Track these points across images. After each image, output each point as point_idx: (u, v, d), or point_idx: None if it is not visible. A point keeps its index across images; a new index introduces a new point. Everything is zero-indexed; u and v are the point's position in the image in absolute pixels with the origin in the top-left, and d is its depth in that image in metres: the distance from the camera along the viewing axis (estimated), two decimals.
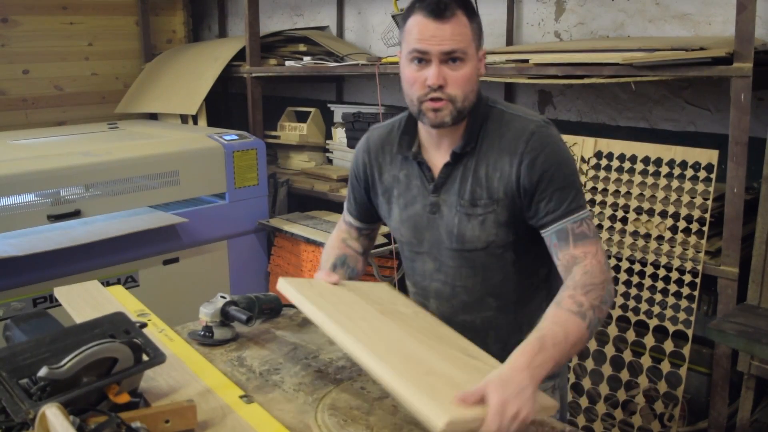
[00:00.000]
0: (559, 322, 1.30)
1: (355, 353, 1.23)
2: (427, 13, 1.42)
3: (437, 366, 1.24)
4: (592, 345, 2.51)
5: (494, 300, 1.57)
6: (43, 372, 1.17)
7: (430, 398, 1.09)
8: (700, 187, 2.32)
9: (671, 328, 2.34)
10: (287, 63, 3.68)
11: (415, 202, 1.58)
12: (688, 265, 2.29)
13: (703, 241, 2.28)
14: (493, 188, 1.48)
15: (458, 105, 1.45)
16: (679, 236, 2.33)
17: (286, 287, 1.45)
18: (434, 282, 1.60)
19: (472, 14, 1.46)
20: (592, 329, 1.33)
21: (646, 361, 2.38)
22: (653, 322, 2.38)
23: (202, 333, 1.69)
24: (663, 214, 2.38)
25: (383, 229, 3.21)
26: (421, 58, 1.44)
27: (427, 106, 1.45)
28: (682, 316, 2.33)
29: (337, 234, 1.81)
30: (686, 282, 2.31)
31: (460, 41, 1.42)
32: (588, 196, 2.48)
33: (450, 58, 1.42)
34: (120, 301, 1.87)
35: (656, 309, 2.38)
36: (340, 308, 1.39)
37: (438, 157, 1.55)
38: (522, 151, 1.45)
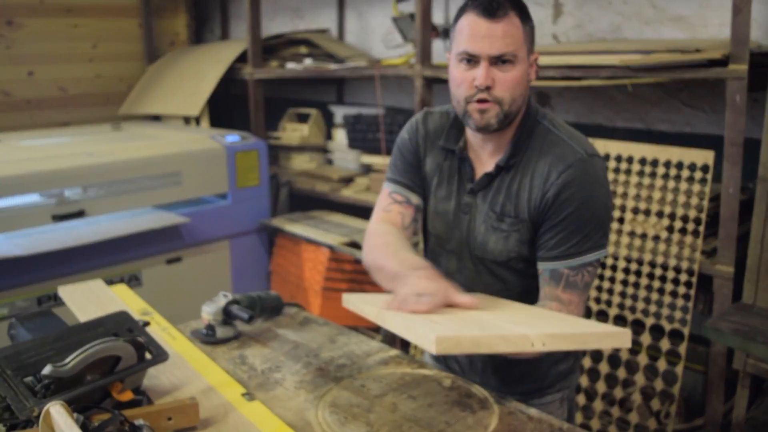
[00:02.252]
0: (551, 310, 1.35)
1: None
2: (479, 12, 1.39)
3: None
4: None
5: None
6: (47, 370, 1.17)
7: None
8: (696, 187, 2.33)
9: (667, 327, 2.36)
10: (288, 65, 3.70)
11: (450, 197, 1.56)
12: (685, 265, 2.31)
13: (699, 241, 2.30)
14: (521, 208, 1.46)
15: (505, 108, 1.42)
16: (676, 236, 2.35)
17: (354, 305, 1.39)
18: (454, 281, 1.55)
19: (526, 17, 1.43)
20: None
21: (642, 359, 2.40)
22: (650, 321, 2.39)
23: (205, 331, 1.70)
24: (659, 214, 2.40)
25: None
26: (471, 59, 1.41)
27: (473, 107, 1.42)
28: (678, 314, 2.34)
29: (382, 239, 1.55)
30: (682, 281, 2.33)
31: (511, 43, 1.39)
32: None
33: (500, 60, 1.39)
34: (123, 300, 1.88)
35: (653, 308, 2.39)
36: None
37: (482, 158, 1.53)
38: (553, 181, 1.42)
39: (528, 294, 1.52)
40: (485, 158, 1.52)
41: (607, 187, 1.45)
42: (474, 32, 1.39)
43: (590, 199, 1.41)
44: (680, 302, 2.33)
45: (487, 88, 1.40)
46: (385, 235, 1.53)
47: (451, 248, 1.57)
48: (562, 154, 1.43)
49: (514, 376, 1.59)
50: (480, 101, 1.41)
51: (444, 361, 1.69)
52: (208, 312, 1.69)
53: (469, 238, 1.53)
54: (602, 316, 2.51)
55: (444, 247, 1.59)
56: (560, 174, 1.41)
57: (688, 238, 2.32)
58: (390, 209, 1.61)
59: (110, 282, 2.10)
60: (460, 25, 1.43)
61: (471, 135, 1.54)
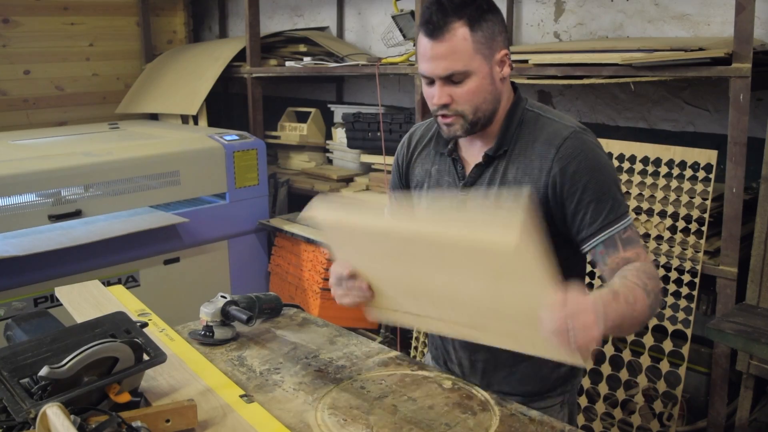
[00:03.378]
0: (629, 287, 1.26)
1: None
2: (424, 32, 1.39)
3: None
4: None
5: None
6: (44, 371, 1.17)
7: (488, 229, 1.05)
8: (699, 187, 2.32)
9: (670, 328, 2.35)
10: (287, 63, 3.69)
11: (443, 197, 1.56)
12: (687, 265, 2.30)
13: (702, 241, 2.29)
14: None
15: (469, 118, 1.43)
16: (678, 236, 2.34)
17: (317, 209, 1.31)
18: None
19: (477, 20, 1.38)
20: (652, 312, 1.29)
21: (645, 360, 2.39)
22: (652, 322, 2.38)
23: (203, 333, 1.69)
24: (662, 214, 2.38)
25: None
26: (427, 78, 1.43)
27: (440, 120, 1.46)
28: (681, 315, 2.33)
29: None
30: (685, 282, 2.32)
31: (457, 60, 1.38)
32: None
33: (449, 79, 1.40)
34: (121, 300, 1.87)
35: None
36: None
37: (471, 155, 1.54)
38: (553, 157, 1.41)
39: None
40: (475, 153, 1.53)
41: (606, 155, 1.47)
42: (422, 53, 1.42)
43: (598, 164, 1.42)
44: (683, 303, 2.32)
45: (446, 105, 1.42)
46: None
47: None
48: (554, 131, 1.45)
49: (515, 378, 1.58)
50: (444, 116, 1.44)
51: (444, 363, 1.68)
52: (207, 313, 1.69)
53: None
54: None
55: None
56: (558, 148, 1.42)
57: (691, 238, 2.31)
58: None
59: (107, 282, 2.10)
60: (417, 44, 1.45)
61: None
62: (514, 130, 1.48)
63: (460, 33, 1.37)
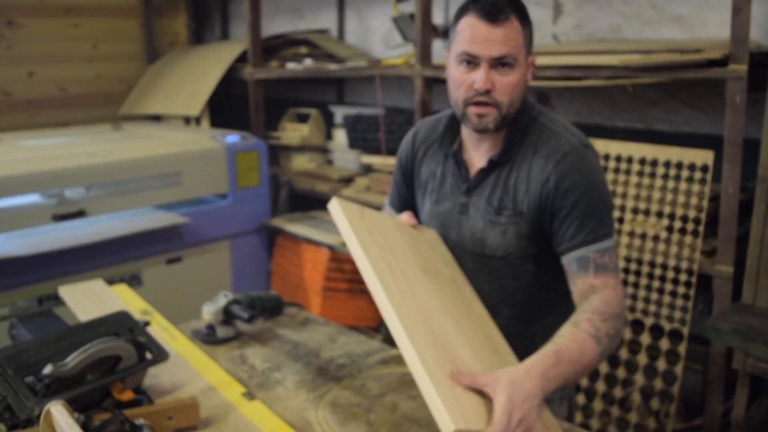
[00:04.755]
0: (576, 340, 1.26)
1: (388, 319, 1.17)
2: (481, 15, 1.38)
3: (461, 355, 1.20)
4: None
5: (509, 309, 1.54)
6: (48, 370, 1.19)
7: (446, 399, 1.06)
8: (696, 187, 2.33)
9: (667, 327, 2.36)
10: (289, 65, 3.70)
11: (446, 199, 1.57)
12: (684, 265, 2.32)
13: (699, 241, 2.30)
14: (519, 201, 1.46)
15: (503, 111, 1.42)
16: (675, 236, 2.35)
17: (336, 211, 1.34)
18: None
19: (526, 20, 1.42)
20: (603, 357, 1.30)
21: (642, 359, 2.40)
22: (649, 321, 2.40)
23: (205, 331, 1.71)
24: (659, 214, 2.40)
25: None
26: (471, 61, 1.41)
27: (472, 110, 1.43)
28: (677, 314, 2.35)
29: None
30: (682, 281, 2.33)
31: (512, 47, 1.38)
32: None
33: (500, 63, 1.39)
34: (124, 300, 1.88)
35: (652, 308, 2.39)
36: (385, 254, 1.30)
37: (476, 158, 1.54)
38: (551, 171, 1.42)
39: (524, 292, 1.53)
40: (480, 156, 1.53)
41: (604, 177, 1.47)
42: (475, 34, 1.39)
43: (593, 184, 1.42)
44: (680, 302, 2.34)
45: (487, 92, 1.40)
46: None
47: (449, 248, 1.57)
48: (557, 144, 1.45)
49: None
50: (479, 104, 1.42)
51: None
52: (209, 312, 1.70)
53: (468, 236, 1.53)
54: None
55: None
56: (557, 162, 1.42)
57: (688, 238, 2.32)
58: None
59: (111, 282, 2.11)
60: (461, 26, 1.43)
61: (467, 135, 1.55)
62: (519, 136, 1.49)
63: (516, 24, 1.40)
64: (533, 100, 1.55)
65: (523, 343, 1.54)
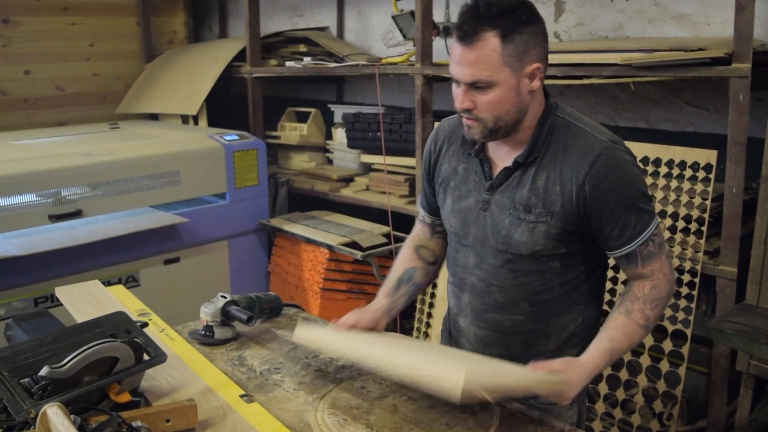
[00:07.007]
0: (628, 334, 1.45)
1: (373, 353, 1.46)
2: (457, 35, 1.41)
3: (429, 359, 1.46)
4: None
5: (528, 305, 1.54)
6: (44, 371, 1.18)
7: (444, 366, 1.29)
8: (699, 187, 2.32)
9: (670, 328, 2.35)
10: (288, 63, 3.69)
11: (468, 196, 1.57)
12: (687, 265, 2.30)
13: (702, 241, 2.29)
14: (551, 200, 1.46)
15: (489, 126, 1.44)
16: (678, 236, 2.34)
17: (304, 334, 1.58)
18: (472, 276, 1.58)
19: (510, 32, 1.38)
20: (645, 337, 1.50)
21: (645, 360, 2.39)
22: None
23: (203, 332, 1.70)
24: (662, 214, 2.38)
25: (382, 229, 3.24)
26: (455, 79, 1.45)
27: (464, 121, 1.49)
28: (681, 315, 2.33)
29: (410, 242, 1.79)
30: (685, 282, 2.32)
31: (483, 69, 1.38)
32: None
33: (474, 85, 1.42)
34: (121, 300, 1.88)
35: None
36: (353, 335, 1.59)
37: (499, 156, 1.55)
38: (586, 173, 1.42)
39: (546, 290, 1.53)
40: (503, 156, 1.54)
41: (637, 165, 1.49)
42: (453, 56, 1.44)
43: (630, 180, 1.45)
44: (683, 303, 2.32)
45: (468, 110, 1.44)
46: (397, 259, 1.78)
47: (468, 244, 1.58)
48: (587, 144, 1.45)
49: None
50: (466, 117, 1.47)
51: None
52: (207, 313, 1.69)
53: (491, 233, 1.53)
54: (605, 317, 2.50)
55: (462, 243, 1.61)
56: (591, 165, 1.42)
57: (691, 238, 2.31)
58: (417, 227, 1.82)
59: (108, 282, 2.10)
60: (451, 44, 1.48)
61: None
62: (545, 137, 1.48)
63: (491, 44, 1.38)
64: (556, 100, 1.54)
65: (540, 340, 1.54)
